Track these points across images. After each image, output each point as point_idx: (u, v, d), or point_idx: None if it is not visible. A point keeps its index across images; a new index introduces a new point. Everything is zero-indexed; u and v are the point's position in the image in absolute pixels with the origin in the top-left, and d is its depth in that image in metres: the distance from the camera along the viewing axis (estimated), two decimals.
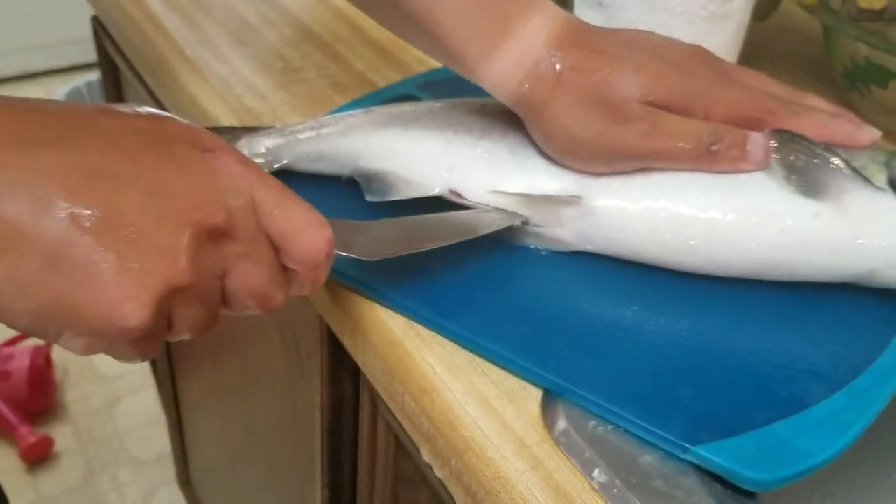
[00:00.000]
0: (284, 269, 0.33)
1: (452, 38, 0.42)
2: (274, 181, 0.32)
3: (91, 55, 0.93)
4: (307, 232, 0.32)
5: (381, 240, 0.38)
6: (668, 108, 0.40)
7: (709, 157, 0.40)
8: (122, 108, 0.31)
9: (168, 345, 1.06)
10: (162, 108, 0.64)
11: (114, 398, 1.58)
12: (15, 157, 0.26)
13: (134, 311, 0.27)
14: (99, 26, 0.84)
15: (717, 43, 0.54)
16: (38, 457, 1.43)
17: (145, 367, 1.48)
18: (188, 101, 0.56)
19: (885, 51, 0.48)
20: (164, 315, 0.29)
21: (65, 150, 0.27)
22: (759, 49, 0.67)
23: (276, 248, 0.32)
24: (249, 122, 0.53)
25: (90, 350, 0.29)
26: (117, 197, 0.27)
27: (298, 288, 0.34)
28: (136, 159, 0.28)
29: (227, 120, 0.53)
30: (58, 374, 1.60)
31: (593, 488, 0.32)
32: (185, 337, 0.31)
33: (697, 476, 0.33)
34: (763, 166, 0.40)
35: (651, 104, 0.40)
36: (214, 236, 0.29)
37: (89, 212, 0.27)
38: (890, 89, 0.53)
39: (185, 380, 1.04)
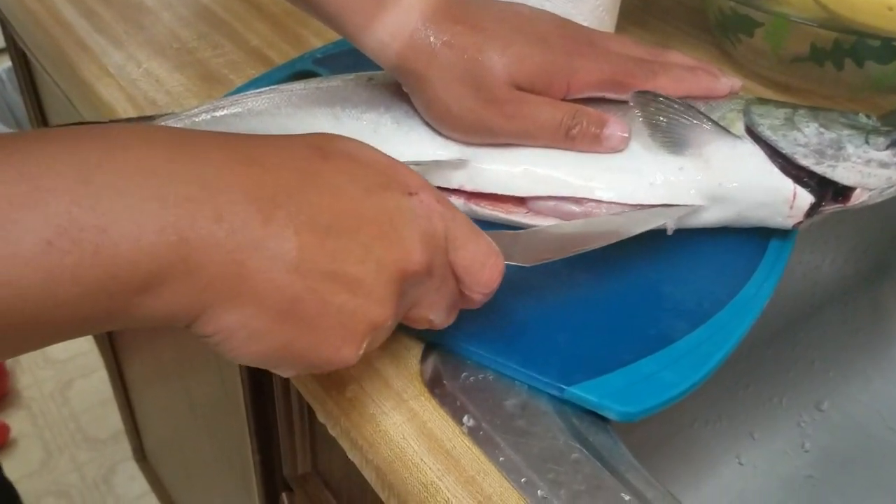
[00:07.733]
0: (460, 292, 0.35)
1: (333, 8, 0.43)
2: (462, 217, 0.34)
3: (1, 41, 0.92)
4: (488, 265, 0.34)
5: (537, 247, 0.40)
6: (532, 87, 0.43)
7: (568, 140, 0.43)
8: (331, 148, 0.32)
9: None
10: (68, 100, 0.64)
11: (66, 381, 1.59)
12: (253, 217, 0.28)
13: (349, 353, 0.31)
14: (5, 18, 0.83)
15: (593, 4, 0.56)
16: None
17: (94, 348, 1.49)
18: (87, 92, 0.57)
19: (743, 4, 0.51)
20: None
21: (298, 209, 0.29)
22: (646, 3, 0.70)
23: (457, 278, 0.35)
24: (146, 108, 0.54)
25: (296, 374, 0.33)
26: (342, 253, 0.30)
27: (467, 306, 0.37)
28: (357, 213, 0.30)
29: (122, 107, 0.54)
30: (8, 361, 1.60)
31: (463, 433, 0.35)
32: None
33: (556, 414, 0.36)
34: (620, 149, 0.43)
35: (516, 86, 0.42)
36: (416, 279, 0.32)
37: (319, 270, 0.29)
38: (756, 37, 0.56)
39: (128, 360, 1.05)
